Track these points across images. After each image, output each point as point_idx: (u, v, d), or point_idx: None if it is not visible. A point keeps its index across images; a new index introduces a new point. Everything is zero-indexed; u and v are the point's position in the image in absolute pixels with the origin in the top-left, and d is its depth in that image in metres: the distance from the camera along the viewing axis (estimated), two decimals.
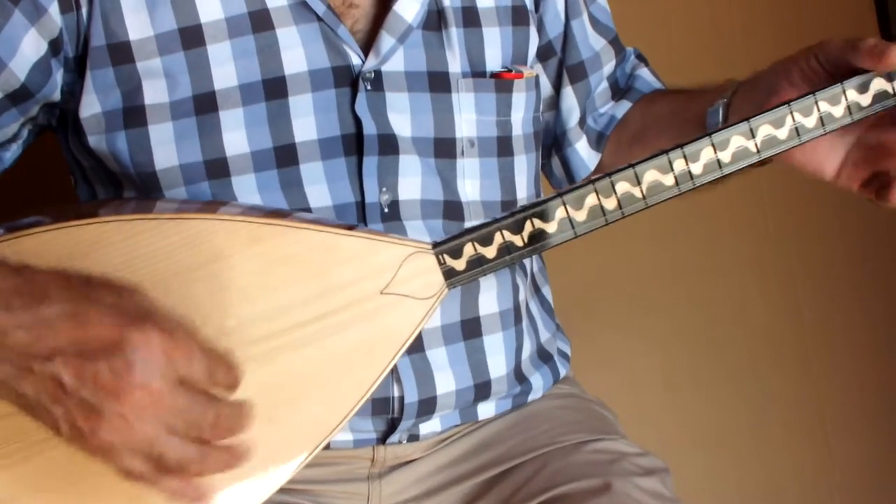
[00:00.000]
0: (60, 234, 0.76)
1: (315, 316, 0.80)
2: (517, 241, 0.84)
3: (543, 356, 1.08)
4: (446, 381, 0.98)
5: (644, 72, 1.17)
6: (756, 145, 0.85)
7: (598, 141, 1.14)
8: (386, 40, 0.95)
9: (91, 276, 0.72)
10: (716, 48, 1.89)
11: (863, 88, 0.85)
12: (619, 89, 1.16)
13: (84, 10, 0.90)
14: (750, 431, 1.92)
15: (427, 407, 0.97)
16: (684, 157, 0.84)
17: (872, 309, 2.00)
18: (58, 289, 0.70)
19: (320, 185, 0.93)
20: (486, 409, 1.03)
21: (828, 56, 0.87)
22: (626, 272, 1.88)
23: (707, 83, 1.04)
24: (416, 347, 0.96)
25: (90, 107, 0.92)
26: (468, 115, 0.99)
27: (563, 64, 1.12)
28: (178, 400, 0.69)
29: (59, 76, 0.92)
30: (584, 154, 1.14)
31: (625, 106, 1.14)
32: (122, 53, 0.90)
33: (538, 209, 0.83)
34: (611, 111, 1.15)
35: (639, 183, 0.84)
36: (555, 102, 1.14)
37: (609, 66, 1.14)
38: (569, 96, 1.13)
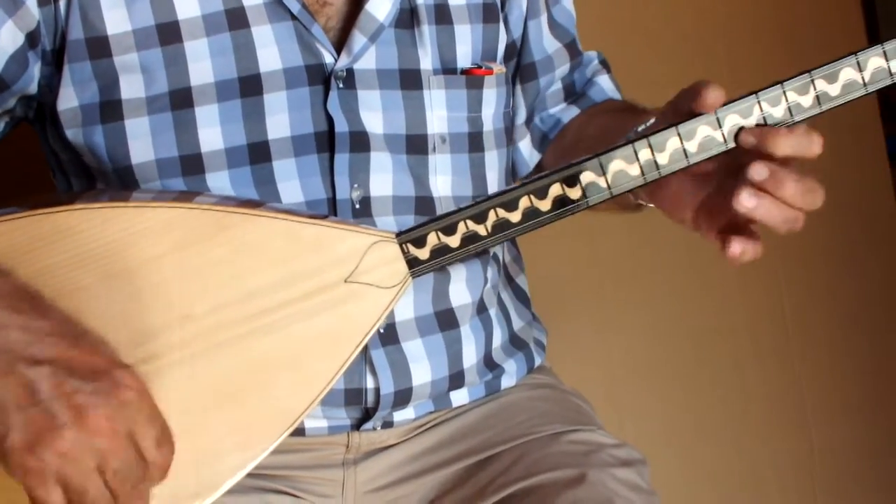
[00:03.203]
0: (28, 222, 0.78)
1: (280, 303, 0.82)
2: (481, 230, 0.84)
3: (517, 343, 1.09)
4: (423, 373, 0.98)
5: (603, 79, 1.16)
6: (723, 135, 0.85)
7: (541, 141, 1.14)
8: (358, 39, 0.96)
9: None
10: (699, 42, 1.88)
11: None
12: (574, 92, 1.16)
13: (62, 4, 0.91)
14: (730, 423, 1.91)
15: (402, 397, 0.98)
16: (650, 146, 0.85)
17: (852, 301, 2.00)
18: (56, 310, 0.75)
19: (292, 181, 0.94)
20: (459, 397, 1.03)
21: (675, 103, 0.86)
22: (605, 265, 1.87)
23: (650, 106, 1.00)
24: (391, 339, 0.97)
25: (67, 100, 0.93)
26: (439, 112, 1.00)
27: (518, 64, 1.12)
28: (126, 451, 0.73)
29: (36, 69, 0.94)
30: (526, 153, 1.14)
31: (573, 111, 1.14)
32: (99, 47, 0.92)
33: (502, 199, 0.84)
34: (558, 114, 1.14)
35: (604, 173, 0.85)
36: None
37: (562, 70, 1.14)
38: (517, 95, 1.12)
